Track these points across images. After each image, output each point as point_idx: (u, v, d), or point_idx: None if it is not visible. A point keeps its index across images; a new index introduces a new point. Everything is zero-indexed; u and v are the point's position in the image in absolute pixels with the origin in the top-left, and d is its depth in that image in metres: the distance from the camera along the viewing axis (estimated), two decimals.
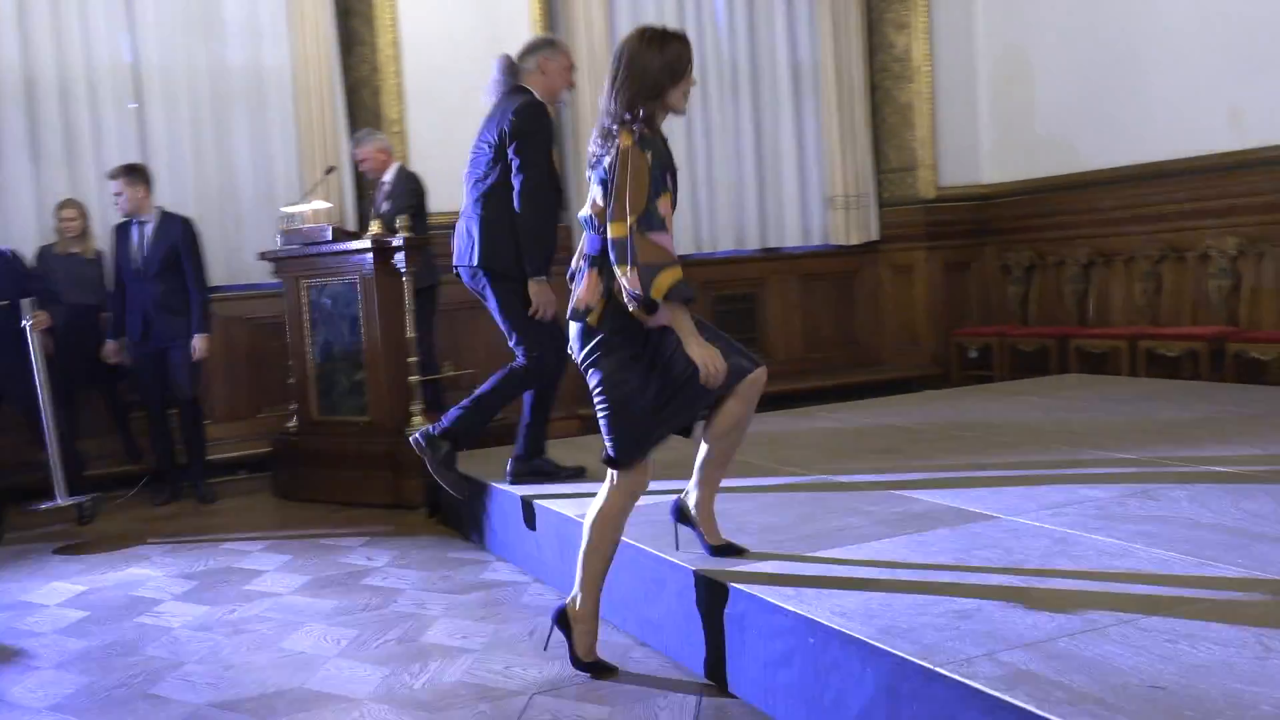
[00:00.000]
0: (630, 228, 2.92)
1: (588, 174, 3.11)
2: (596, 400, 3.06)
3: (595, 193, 3.06)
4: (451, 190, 7.08)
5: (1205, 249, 7.07)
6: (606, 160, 3.00)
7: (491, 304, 4.52)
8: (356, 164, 6.87)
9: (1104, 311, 7.78)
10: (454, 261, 4.59)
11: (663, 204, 2.97)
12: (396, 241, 5.66)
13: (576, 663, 3.19)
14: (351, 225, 7.10)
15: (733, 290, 8.47)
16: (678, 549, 3.36)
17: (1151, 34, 7.30)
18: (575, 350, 3.11)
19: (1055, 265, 8.12)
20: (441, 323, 6.75)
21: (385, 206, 6.11)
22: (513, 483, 4.59)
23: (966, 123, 8.67)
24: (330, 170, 6.82)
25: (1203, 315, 7.10)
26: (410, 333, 5.70)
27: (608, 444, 3.06)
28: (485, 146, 4.47)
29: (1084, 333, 7.59)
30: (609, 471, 3.09)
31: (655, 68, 3.00)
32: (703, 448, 3.26)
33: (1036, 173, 8.22)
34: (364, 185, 7.27)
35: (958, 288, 8.69)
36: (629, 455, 3.05)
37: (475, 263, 4.45)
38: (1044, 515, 3.48)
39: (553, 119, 4.57)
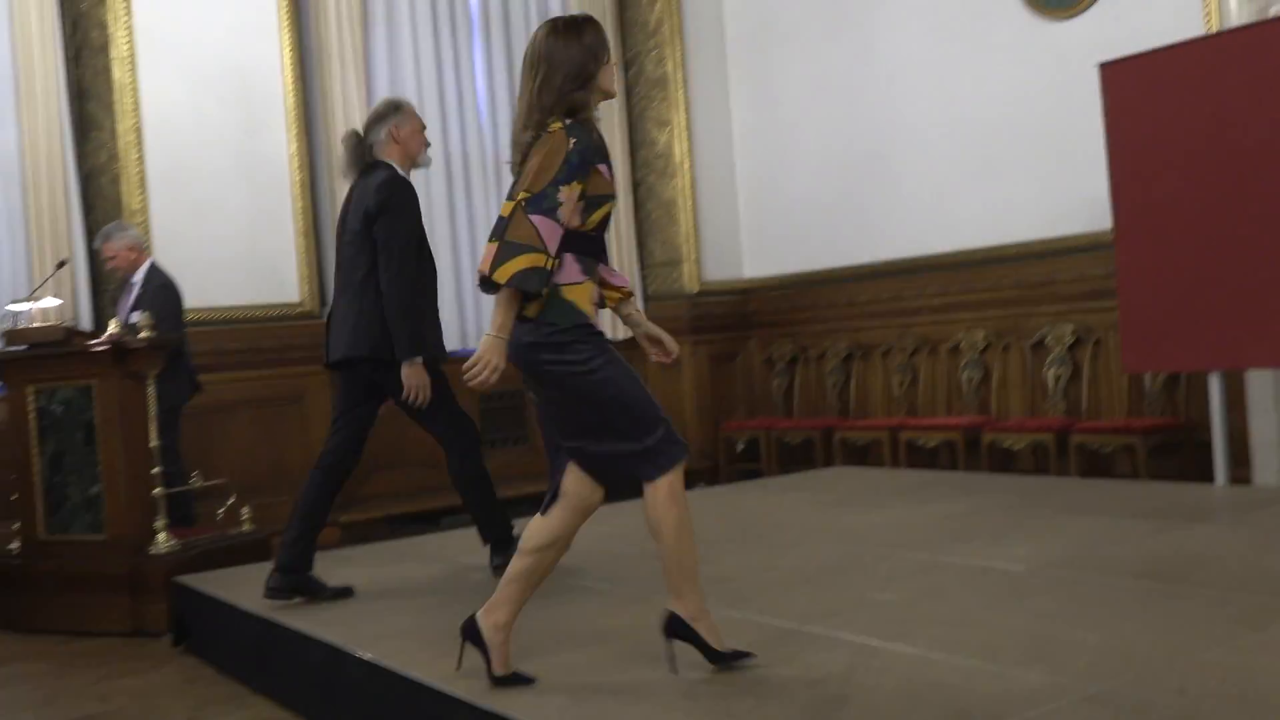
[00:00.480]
0: (518, 204, 2.82)
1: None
2: (575, 403, 2.94)
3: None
4: (202, 283, 6.76)
5: (957, 341, 7.35)
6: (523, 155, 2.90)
7: (393, 391, 4.30)
8: (104, 260, 6.30)
9: (864, 402, 7.97)
10: (333, 355, 4.34)
11: (566, 192, 2.84)
12: (138, 342, 5.19)
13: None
14: (86, 324, 6.53)
15: (500, 387, 8.19)
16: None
17: (901, 136, 7.61)
18: (523, 350, 2.93)
19: (817, 357, 8.29)
20: (190, 428, 6.24)
21: (133, 315, 5.54)
22: (271, 599, 4.19)
23: (727, 218, 8.83)
24: (62, 264, 6.24)
25: (957, 405, 7.36)
26: (154, 441, 5.22)
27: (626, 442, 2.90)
28: (353, 234, 4.30)
29: (847, 424, 7.74)
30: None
31: (578, 55, 2.92)
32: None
33: (796, 267, 8.42)
34: (101, 280, 6.72)
35: (724, 380, 8.75)
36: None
37: (365, 353, 4.23)
38: (837, 625, 3.38)
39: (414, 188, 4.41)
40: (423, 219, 4.40)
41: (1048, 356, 6.85)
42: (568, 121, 2.90)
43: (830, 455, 7.70)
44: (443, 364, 4.39)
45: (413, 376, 4.21)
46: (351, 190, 4.39)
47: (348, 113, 7.42)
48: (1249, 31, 5.33)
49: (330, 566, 4.53)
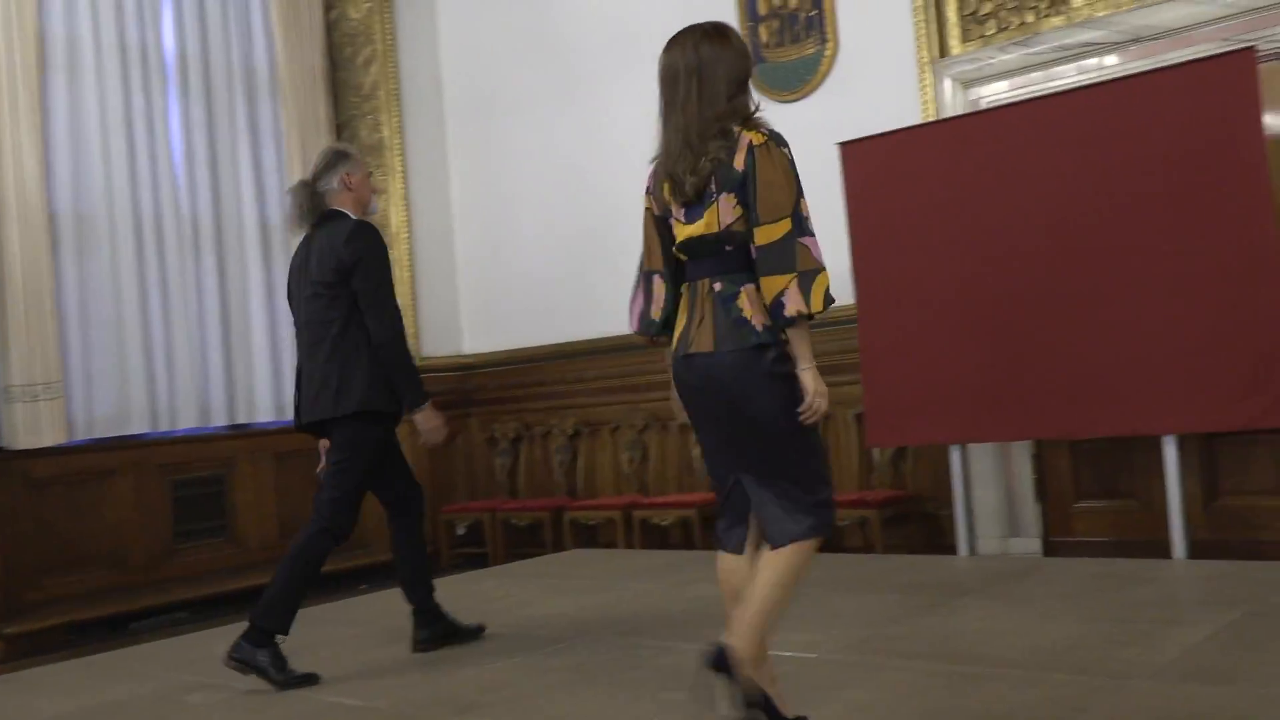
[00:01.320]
0: (787, 230, 2.70)
1: (661, 198, 2.90)
2: (780, 439, 2.74)
3: (722, 204, 2.76)
4: None
5: (548, 429, 7.30)
6: (738, 160, 2.72)
7: (339, 456, 4.13)
8: None
9: (593, 481, 7.75)
10: (312, 416, 4.16)
11: (805, 206, 2.75)
12: None
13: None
14: None
15: (197, 472, 7.45)
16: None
17: (629, 211, 7.48)
18: (740, 380, 2.73)
19: (542, 435, 8.01)
20: None
21: None
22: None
23: (447, 291, 8.47)
24: None
25: (689, 482, 7.25)
26: None
27: (800, 491, 2.75)
28: (323, 287, 4.12)
29: (577, 504, 7.48)
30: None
31: (736, 59, 2.84)
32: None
33: (520, 342, 8.14)
34: None
35: (443, 461, 8.30)
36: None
37: (354, 409, 4.05)
38: None
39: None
40: None
41: None
42: (766, 130, 2.78)
43: (560, 537, 7.40)
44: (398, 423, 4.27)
45: (428, 420, 4.22)
46: (306, 243, 4.26)
47: (18, 169, 6.55)
48: (979, 118, 5.58)
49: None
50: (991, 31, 6.15)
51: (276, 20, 7.85)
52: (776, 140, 2.78)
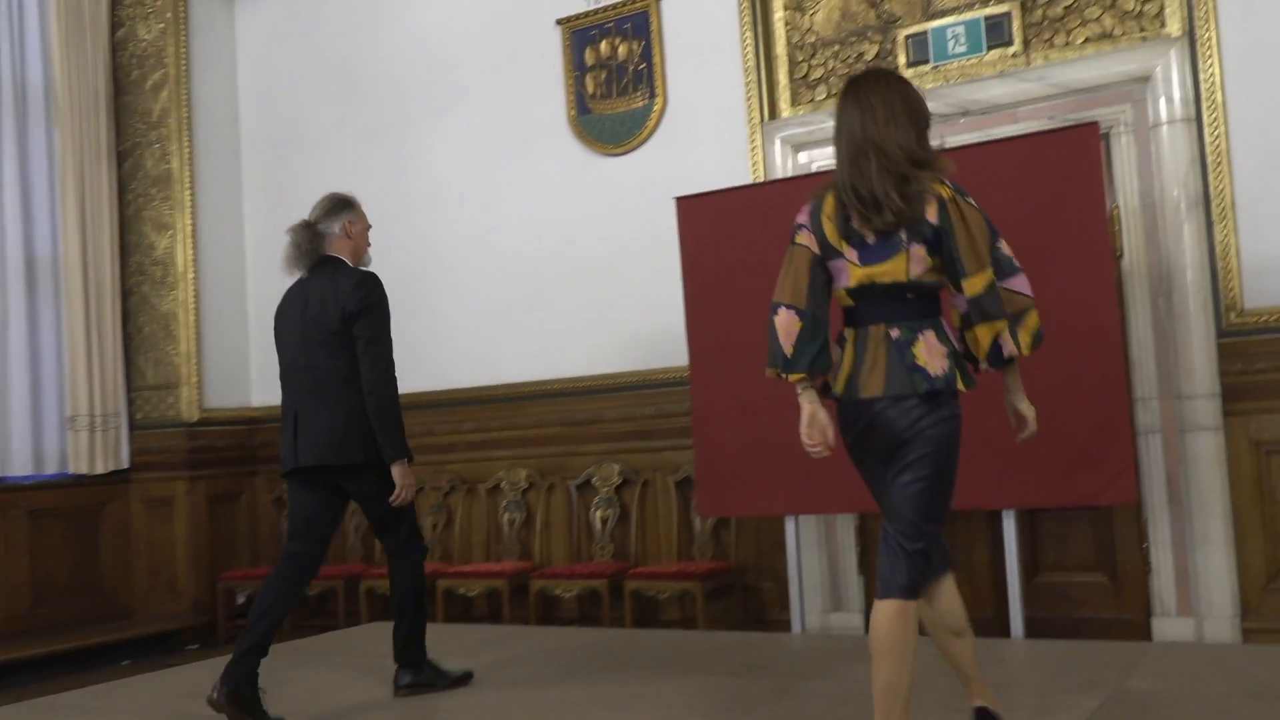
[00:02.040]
0: (990, 280, 2.85)
1: (823, 237, 2.96)
2: (923, 470, 2.84)
3: (913, 253, 2.85)
4: None
5: (497, 480, 6.87)
6: (930, 213, 2.84)
7: (369, 490, 4.19)
8: None
9: None
10: (309, 459, 4.12)
11: (1005, 246, 2.95)
12: None
13: None
14: None
15: None
16: None
17: (441, 261, 7.15)
18: (906, 424, 2.84)
19: None
20: None
21: None
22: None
23: (236, 338, 7.85)
24: None
25: (496, 549, 6.85)
26: None
27: (922, 535, 2.85)
28: (327, 334, 4.14)
29: (374, 571, 6.93)
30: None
31: (919, 104, 2.95)
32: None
33: None
34: None
35: (225, 523, 7.64)
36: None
37: (360, 459, 4.11)
38: None
39: None
40: None
41: (594, 498, 6.55)
42: (951, 184, 2.89)
43: (355, 608, 6.85)
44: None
45: (406, 476, 4.18)
46: (304, 286, 4.27)
47: None
48: (816, 180, 5.40)
49: None
50: (822, 96, 6.10)
51: (55, 36, 7.18)
52: (962, 192, 2.89)
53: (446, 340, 7.09)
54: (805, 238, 2.99)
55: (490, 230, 6.94)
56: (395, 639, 4.37)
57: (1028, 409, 3.02)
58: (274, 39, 7.90)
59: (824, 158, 5.95)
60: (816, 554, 5.87)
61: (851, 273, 2.92)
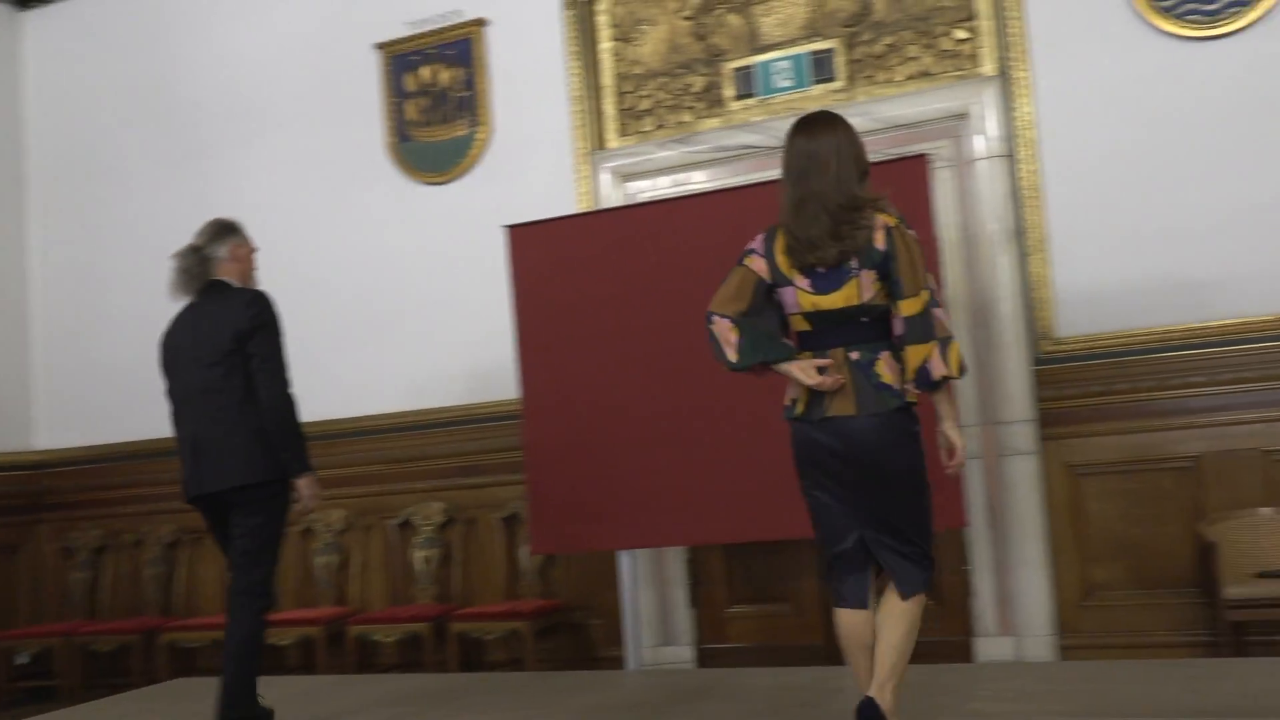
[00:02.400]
0: (926, 302, 3.01)
1: (776, 266, 3.15)
2: (910, 493, 3.09)
3: (863, 279, 3.05)
4: None
5: (309, 523, 6.53)
6: (878, 240, 3.03)
7: (254, 522, 4.11)
8: None
9: (195, 598, 6.80)
10: (215, 485, 4.11)
11: (933, 279, 3.11)
12: None
13: None
14: None
15: None
16: None
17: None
18: (883, 440, 3.06)
19: (133, 545, 6.96)
20: None
21: None
22: None
23: (16, 376, 7.28)
24: None
25: (310, 595, 6.50)
26: None
27: (919, 542, 3.12)
28: (221, 355, 4.13)
29: (175, 624, 6.48)
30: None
31: (860, 145, 3.19)
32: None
33: (109, 438, 7.08)
34: None
35: (4, 577, 7.00)
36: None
37: (264, 478, 4.08)
38: None
39: None
40: None
41: (415, 537, 6.29)
42: (896, 214, 3.09)
43: (153, 664, 6.37)
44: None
45: (312, 487, 4.18)
46: (193, 311, 4.30)
47: None
48: (652, 210, 5.40)
49: None
50: (649, 128, 6.09)
51: None
52: (904, 222, 3.11)
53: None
54: (755, 262, 3.18)
55: (306, 262, 6.61)
56: (222, 692, 4.06)
57: (958, 438, 3.13)
58: (70, 58, 7.41)
59: (653, 189, 5.95)
60: (646, 589, 5.77)
61: (804, 299, 3.11)
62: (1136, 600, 5.06)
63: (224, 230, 4.36)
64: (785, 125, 5.67)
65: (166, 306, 6.91)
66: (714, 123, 5.96)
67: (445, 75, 6.46)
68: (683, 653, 5.78)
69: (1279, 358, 4.90)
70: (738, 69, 5.94)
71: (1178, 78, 5.13)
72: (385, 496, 6.42)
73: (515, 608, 5.74)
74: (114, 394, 7.08)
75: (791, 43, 5.86)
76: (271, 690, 5.19)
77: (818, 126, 3.19)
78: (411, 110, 6.51)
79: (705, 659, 5.78)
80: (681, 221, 5.16)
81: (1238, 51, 5.06)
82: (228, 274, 4.31)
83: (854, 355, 3.09)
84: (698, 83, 6.01)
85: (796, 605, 5.68)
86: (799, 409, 3.14)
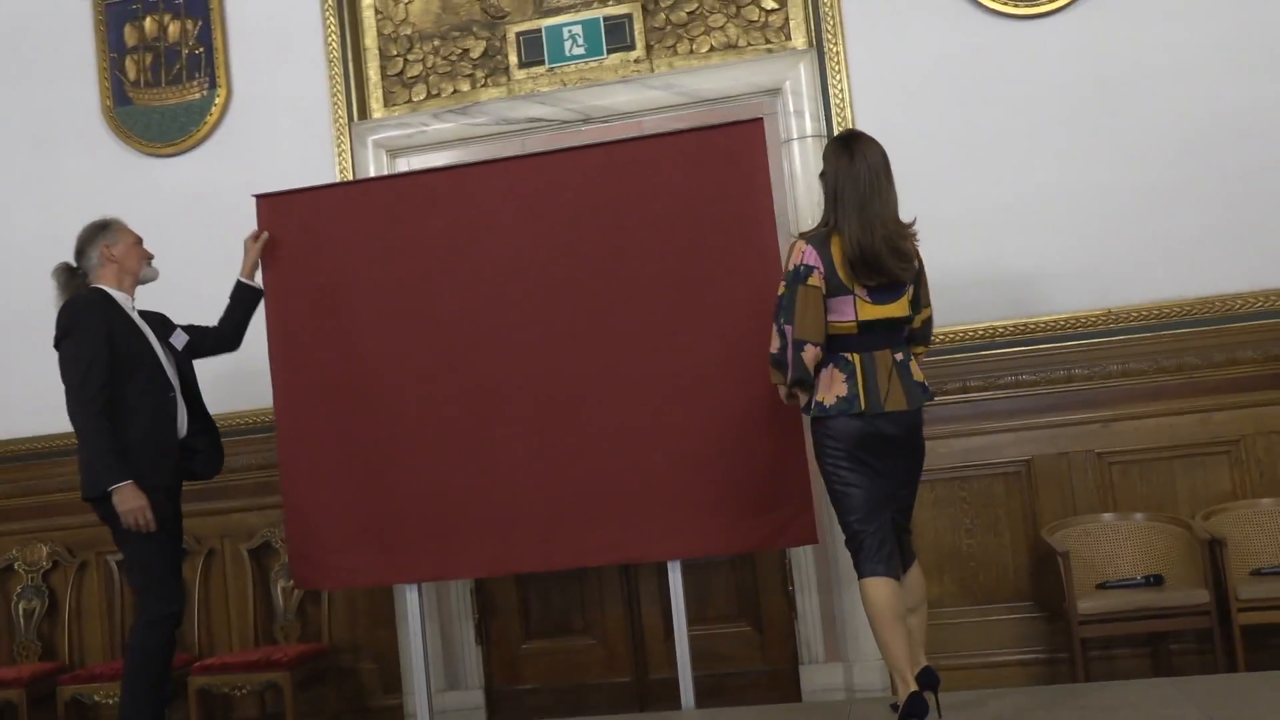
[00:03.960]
0: (930, 313, 3.64)
1: (836, 278, 3.40)
2: (919, 473, 3.62)
3: (909, 293, 3.50)
4: None
5: (9, 561, 5.38)
6: (917, 263, 3.52)
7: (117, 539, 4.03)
8: None
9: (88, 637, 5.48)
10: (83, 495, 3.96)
11: None
12: None
13: None
14: None
15: None
16: None
17: None
18: (920, 432, 3.55)
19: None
20: None
21: None
22: None
23: None
24: None
25: (6, 651, 5.35)
26: None
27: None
28: None
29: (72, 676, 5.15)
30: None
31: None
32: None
33: None
34: None
35: None
36: None
37: (88, 494, 3.92)
38: None
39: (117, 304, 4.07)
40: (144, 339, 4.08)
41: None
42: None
43: None
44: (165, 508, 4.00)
45: (123, 502, 3.84)
46: None
47: None
48: (436, 177, 4.58)
49: None
50: (421, 96, 5.30)
51: None
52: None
53: None
54: (817, 279, 3.38)
55: (3, 242, 5.46)
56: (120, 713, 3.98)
57: None
58: None
59: (425, 164, 5.12)
60: (427, 626, 4.96)
61: (862, 309, 3.41)
62: (969, 617, 4.67)
63: (91, 234, 4.14)
64: (580, 97, 5.15)
65: None
66: (496, 92, 5.24)
67: (174, 28, 5.45)
68: (471, 698, 5.03)
69: (1110, 353, 4.63)
70: (522, 34, 5.24)
71: (1001, 56, 4.80)
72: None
73: (270, 655, 4.82)
74: None
75: (584, 5, 5.21)
76: None
77: (870, 146, 3.46)
78: (132, 69, 5.46)
79: (497, 703, 5.05)
80: (469, 192, 4.40)
81: (1061, 30, 4.77)
82: (106, 279, 4.10)
83: (898, 357, 3.47)
84: (476, 47, 5.27)
85: (602, 638, 5.03)
86: (862, 404, 3.38)
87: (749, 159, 4.10)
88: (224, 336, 4.40)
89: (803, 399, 3.50)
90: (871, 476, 3.43)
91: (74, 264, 4.17)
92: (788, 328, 3.39)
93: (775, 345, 3.43)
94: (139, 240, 4.22)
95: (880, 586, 3.36)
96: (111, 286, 4.12)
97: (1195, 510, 4.51)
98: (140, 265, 4.18)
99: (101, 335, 3.93)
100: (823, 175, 3.55)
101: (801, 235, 3.50)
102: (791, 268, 3.40)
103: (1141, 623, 4.23)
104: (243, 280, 4.41)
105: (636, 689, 4.94)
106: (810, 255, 3.38)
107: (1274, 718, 3.36)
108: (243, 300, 4.42)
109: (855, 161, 3.41)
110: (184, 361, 4.27)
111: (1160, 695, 3.67)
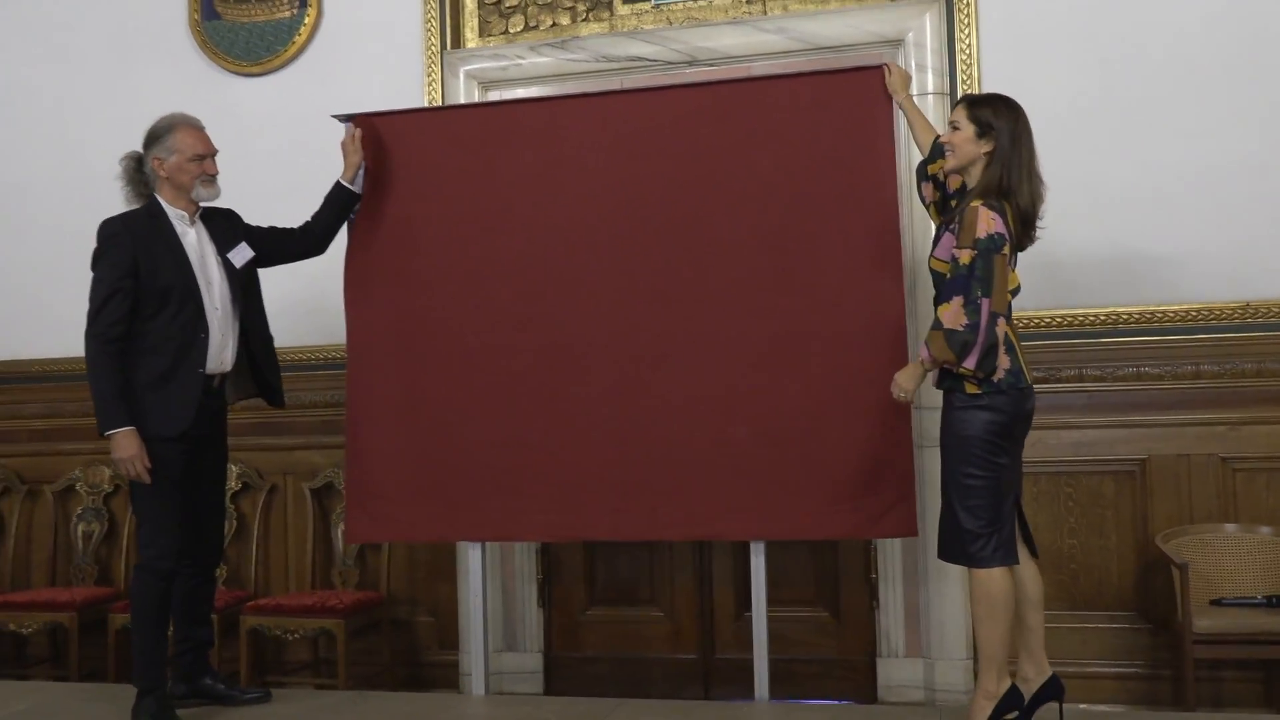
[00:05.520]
0: None
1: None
2: None
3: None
4: None
5: (70, 481, 5.25)
6: None
7: None
8: None
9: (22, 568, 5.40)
10: None
11: None
12: None
13: None
14: None
15: None
16: None
17: (7, 190, 5.40)
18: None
19: None
20: None
21: None
22: None
23: None
24: None
25: (65, 572, 5.24)
26: None
27: None
28: None
29: None
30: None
31: None
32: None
33: None
34: None
35: None
36: None
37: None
38: None
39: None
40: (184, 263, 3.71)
41: None
42: None
43: None
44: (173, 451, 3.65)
45: (115, 449, 3.60)
46: None
47: None
48: (536, 107, 4.25)
49: None
50: (518, 28, 4.98)
51: None
52: None
53: (10, 294, 5.37)
54: (1007, 249, 3.17)
55: (75, 155, 5.27)
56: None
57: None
58: None
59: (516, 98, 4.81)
60: (489, 584, 4.71)
61: (1013, 277, 3.25)
62: (1069, 623, 4.31)
63: (146, 141, 3.79)
64: (686, 37, 4.78)
65: None
66: (597, 28, 4.90)
67: None
68: (529, 660, 4.79)
69: (1244, 349, 4.21)
70: None
71: (1144, 15, 4.35)
72: None
73: (325, 601, 4.62)
74: None
75: None
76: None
77: (1023, 114, 3.30)
78: None
79: (554, 670, 4.81)
80: (560, 127, 4.08)
81: None
82: (162, 192, 3.78)
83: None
84: None
85: (669, 612, 4.75)
86: (1027, 377, 3.23)
87: (871, 110, 3.72)
88: (310, 237, 4.06)
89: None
90: (1014, 458, 3.27)
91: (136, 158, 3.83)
92: (984, 301, 3.09)
93: (963, 321, 3.09)
94: (198, 155, 3.77)
95: (1009, 577, 3.20)
96: (166, 200, 3.77)
97: None
98: (193, 184, 3.77)
99: (125, 267, 3.62)
100: (982, 135, 3.25)
101: (982, 200, 3.17)
102: (985, 235, 3.11)
103: (1261, 648, 3.85)
104: (342, 181, 4.06)
105: (701, 668, 4.66)
106: (999, 223, 3.13)
107: None
108: (337, 201, 4.08)
109: (1024, 123, 3.25)
110: (247, 280, 3.90)
111: None
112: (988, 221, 3.12)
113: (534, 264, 4.03)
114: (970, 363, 3.11)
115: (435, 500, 4.09)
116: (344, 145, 4.11)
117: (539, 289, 4.02)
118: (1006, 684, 3.24)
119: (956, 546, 3.21)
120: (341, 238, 4.20)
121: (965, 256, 3.12)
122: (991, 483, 3.18)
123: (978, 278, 3.10)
